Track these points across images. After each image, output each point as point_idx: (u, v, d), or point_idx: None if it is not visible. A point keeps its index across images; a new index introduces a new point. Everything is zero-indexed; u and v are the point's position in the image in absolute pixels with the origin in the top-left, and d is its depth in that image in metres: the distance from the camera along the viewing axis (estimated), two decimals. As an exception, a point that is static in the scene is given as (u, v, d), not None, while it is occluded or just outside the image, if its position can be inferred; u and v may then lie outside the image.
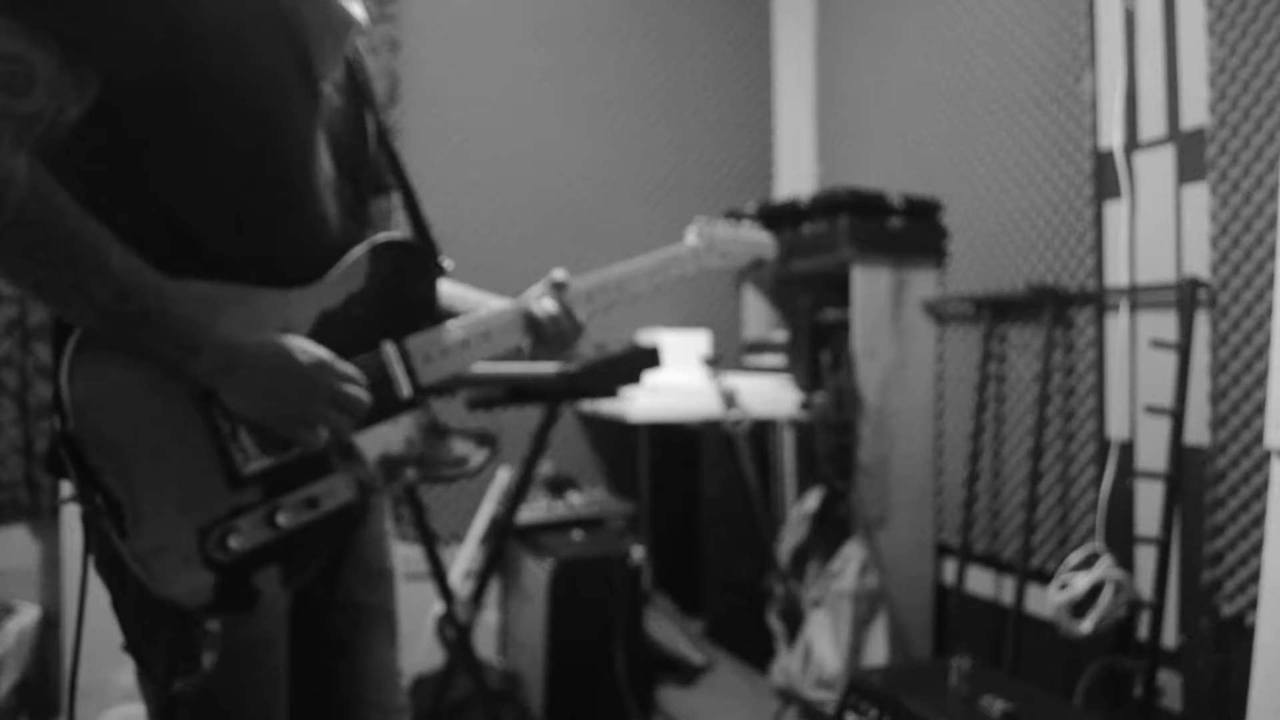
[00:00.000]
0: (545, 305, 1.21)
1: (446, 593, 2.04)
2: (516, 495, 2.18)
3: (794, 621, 2.66)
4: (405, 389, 1.07)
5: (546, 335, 1.20)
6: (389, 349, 1.07)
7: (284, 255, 1.00)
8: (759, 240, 1.51)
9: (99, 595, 0.97)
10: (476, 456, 1.15)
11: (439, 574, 2.04)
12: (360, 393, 0.98)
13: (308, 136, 1.03)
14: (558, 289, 1.24)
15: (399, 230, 1.15)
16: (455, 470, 1.14)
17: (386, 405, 1.05)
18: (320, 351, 0.96)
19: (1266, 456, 1.77)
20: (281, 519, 0.95)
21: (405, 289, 1.11)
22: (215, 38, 0.92)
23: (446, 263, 1.18)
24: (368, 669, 1.20)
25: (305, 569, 0.99)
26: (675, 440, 3.21)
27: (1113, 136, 2.21)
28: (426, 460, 1.11)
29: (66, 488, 0.92)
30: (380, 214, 1.24)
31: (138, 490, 0.86)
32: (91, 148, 0.89)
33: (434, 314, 1.15)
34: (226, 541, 0.90)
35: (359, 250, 1.06)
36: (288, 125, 1.00)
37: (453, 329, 1.13)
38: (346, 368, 0.98)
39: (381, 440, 1.06)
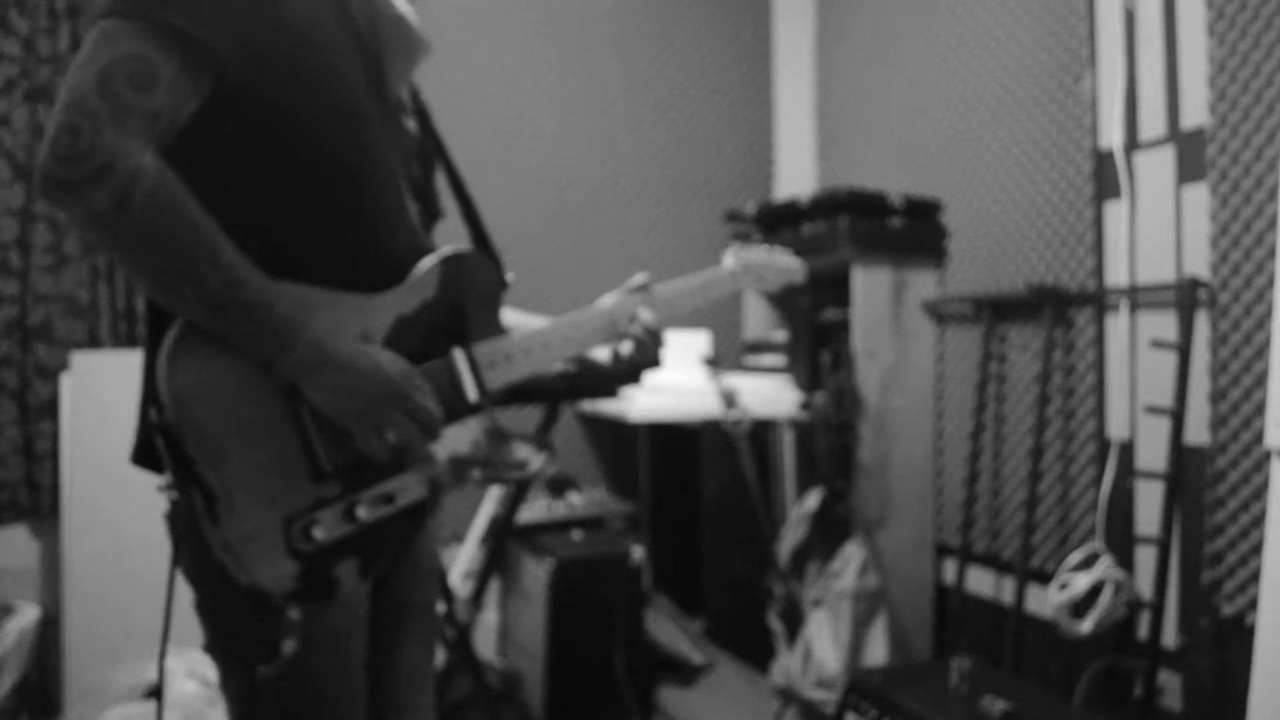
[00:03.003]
0: (641, 317, 1.29)
1: (446, 593, 2.04)
2: (516, 495, 2.18)
3: (794, 621, 2.66)
4: (472, 393, 1.11)
5: (644, 346, 1.29)
6: (458, 355, 1.11)
7: (363, 262, 1.04)
8: (790, 266, 1.61)
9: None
10: (536, 460, 1.21)
11: (439, 574, 2.04)
12: (435, 408, 1.02)
13: (384, 149, 1.08)
14: (644, 292, 1.32)
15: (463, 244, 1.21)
16: (517, 473, 1.20)
17: (455, 408, 1.09)
18: (405, 364, 1.00)
19: (1266, 456, 1.77)
20: (361, 512, 0.98)
21: (473, 299, 1.16)
22: (299, 50, 0.97)
23: (508, 275, 1.23)
24: (404, 666, 1.23)
25: (381, 562, 1.03)
26: (675, 440, 3.21)
27: (1113, 136, 2.21)
28: (491, 462, 1.16)
29: (160, 480, 0.97)
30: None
31: (230, 480, 0.89)
32: (190, 151, 0.92)
33: (498, 323, 1.20)
34: (310, 532, 0.94)
35: (430, 260, 1.11)
36: (366, 137, 1.05)
37: (516, 338, 1.19)
38: (426, 384, 1.02)
39: (450, 442, 1.10)
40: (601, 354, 1.32)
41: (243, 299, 0.88)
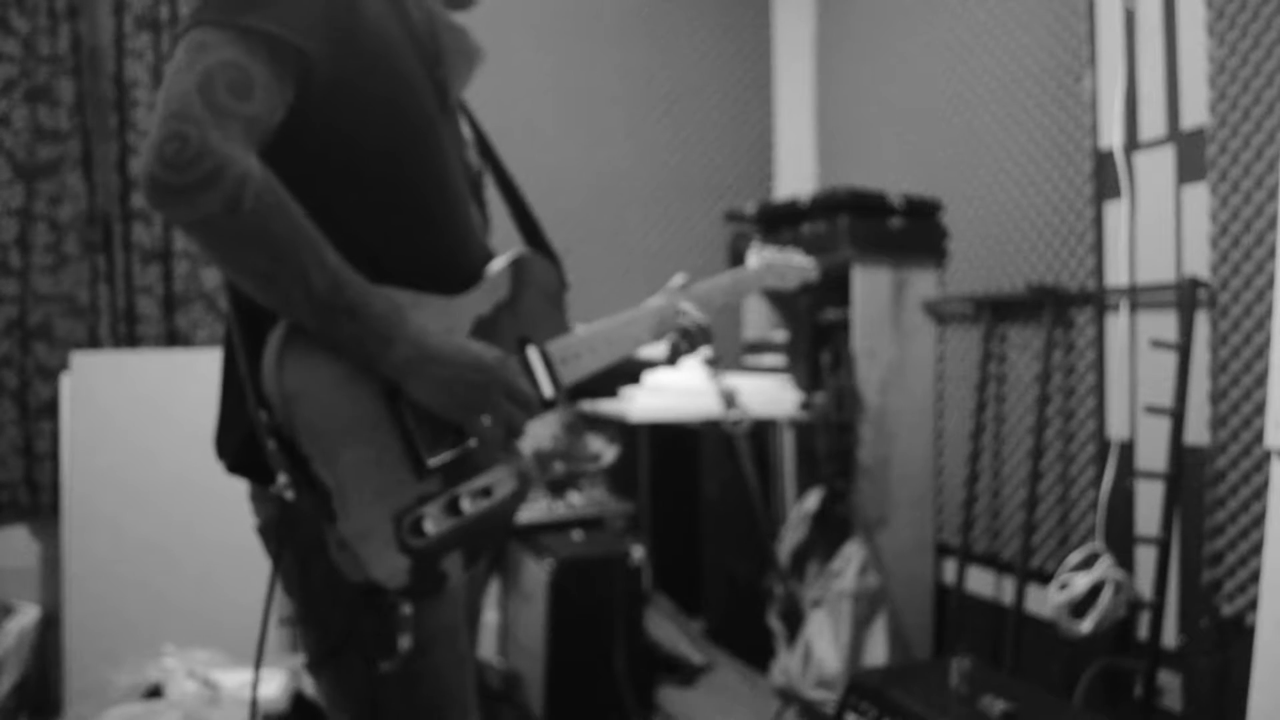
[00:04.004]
0: (695, 314, 1.37)
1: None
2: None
3: (794, 621, 2.66)
4: (549, 389, 1.15)
5: (695, 340, 1.37)
6: (533, 352, 1.15)
7: (441, 268, 1.07)
8: (805, 264, 1.70)
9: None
10: (609, 452, 1.26)
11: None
12: (531, 389, 1.06)
13: (451, 155, 1.12)
14: (684, 291, 1.40)
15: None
16: (593, 464, 1.24)
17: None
18: (498, 351, 1.03)
19: (1266, 456, 1.77)
20: (465, 505, 1.00)
21: (540, 298, 1.20)
22: (377, 61, 1.00)
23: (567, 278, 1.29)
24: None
25: (481, 554, 1.05)
26: (675, 440, 3.21)
27: (1113, 136, 2.21)
28: (570, 455, 1.20)
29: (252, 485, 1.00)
30: None
31: (343, 477, 0.90)
32: (277, 159, 0.93)
33: (564, 322, 1.25)
34: (421, 526, 0.95)
35: (501, 263, 1.15)
36: (437, 144, 1.08)
37: (582, 335, 1.23)
38: (518, 366, 1.07)
39: (533, 437, 1.13)
40: (653, 350, 1.39)
41: (347, 299, 0.90)
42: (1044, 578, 2.26)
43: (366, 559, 0.90)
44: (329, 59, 0.94)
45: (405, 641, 0.98)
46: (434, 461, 0.98)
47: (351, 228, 0.98)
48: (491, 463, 1.06)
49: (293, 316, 0.89)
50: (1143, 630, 2.08)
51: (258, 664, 1.04)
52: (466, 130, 1.25)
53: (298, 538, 0.98)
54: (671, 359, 1.41)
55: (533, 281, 1.19)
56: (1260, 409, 1.85)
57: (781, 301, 3.27)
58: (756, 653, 2.87)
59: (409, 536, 0.94)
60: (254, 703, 1.07)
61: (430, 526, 0.95)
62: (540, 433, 1.15)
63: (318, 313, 0.89)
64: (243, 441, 0.97)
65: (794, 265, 1.67)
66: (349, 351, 0.92)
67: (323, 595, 1.01)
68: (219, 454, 1.04)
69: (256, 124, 0.89)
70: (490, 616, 2.89)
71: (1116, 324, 2.23)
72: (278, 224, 0.87)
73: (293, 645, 2.40)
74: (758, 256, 1.61)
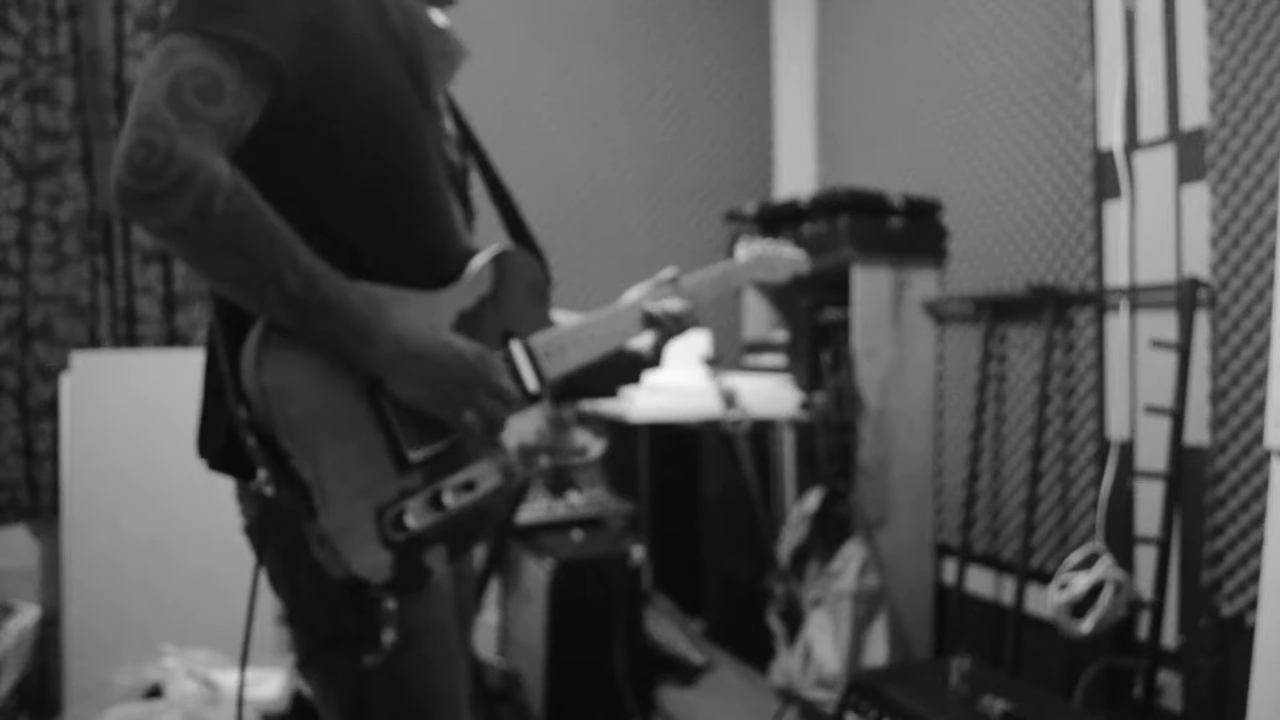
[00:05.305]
0: (667, 303, 1.36)
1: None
2: (516, 495, 2.18)
3: (794, 621, 2.66)
4: (532, 383, 1.15)
5: (668, 330, 1.36)
6: (517, 346, 1.15)
7: (422, 264, 1.07)
8: (795, 257, 1.70)
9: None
10: (595, 447, 1.26)
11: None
12: (512, 385, 1.07)
13: (432, 154, 1.12)
14: (673, 284, 1.40)
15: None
16: (579, 458, 1.24)
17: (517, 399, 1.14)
18: (479, 347, 1.04)
19: (1266, 456, 1.77)
20: (447, 499, 1.01)
21: (523, 293, 1.20)
22: (356, 63, 1.00)
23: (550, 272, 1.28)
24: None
25: (466, 548, 1.06)
26: (675, 440, 3.21)
27: (1113, 136, 2.21)
28: (555, 449, 1.19)
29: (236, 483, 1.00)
30: None
31: (324, 472, 0.90)
32: (253, 161, 0.93)
33: (547, 316, 1.25)
34: (403, 521, 0.95)
35: (483, 257, 1.15)
36: (419, 145, 1.09)
37: (566, 329, 1.23)
38: (500, 363, 1.06)
39: (517, 431, 1.14)
40: (639, 343, 1.39)
41: (322, 298, 0.90)
42: (1044, 578, 2.27)
43: (348, 554, 0.90)
44: (304, 62, 0.94)
45: (390, 636, 0.98)
46: (416, 456, 0.98)
47: (331, 225, 0.98)
48: (474, 457, 1.06)
49: (269, 316, 0.89)
50: (1143, 630, 2.08)
51: (243, 663, 1.04)
52: (451, 126, 1.25)
53: (281, 535, 0.98)
54: (655, 353, 1.40)
55: (516, 276, 1.19)
56: (1260, 409, 1.85)
57: (781, 301, 3.27)
58: (756, 653, 2.87)
59: (391, 531, 0.94)
60: (240, 702, 1.07)
61: (412, 521, 0.96)
62: (525, 427, 1.15)
63: (293, 311, 0.89)
64: (224, 439, 0.97)
65: (784, 258, 1.67)
66: (328, 348, 0.92)
67: (308, 592, 1.01)
68: (200, 452, 1.03)
69: (226, 128, 0.88)
70: (490, 616, 2.89)
71: (1116, 324, 2.23)
72: (249, 227, 0.86)
73: (290, 644, 2.40)
74: (746, 249, 1.61)
